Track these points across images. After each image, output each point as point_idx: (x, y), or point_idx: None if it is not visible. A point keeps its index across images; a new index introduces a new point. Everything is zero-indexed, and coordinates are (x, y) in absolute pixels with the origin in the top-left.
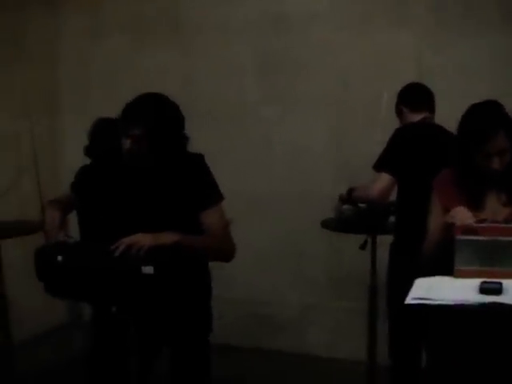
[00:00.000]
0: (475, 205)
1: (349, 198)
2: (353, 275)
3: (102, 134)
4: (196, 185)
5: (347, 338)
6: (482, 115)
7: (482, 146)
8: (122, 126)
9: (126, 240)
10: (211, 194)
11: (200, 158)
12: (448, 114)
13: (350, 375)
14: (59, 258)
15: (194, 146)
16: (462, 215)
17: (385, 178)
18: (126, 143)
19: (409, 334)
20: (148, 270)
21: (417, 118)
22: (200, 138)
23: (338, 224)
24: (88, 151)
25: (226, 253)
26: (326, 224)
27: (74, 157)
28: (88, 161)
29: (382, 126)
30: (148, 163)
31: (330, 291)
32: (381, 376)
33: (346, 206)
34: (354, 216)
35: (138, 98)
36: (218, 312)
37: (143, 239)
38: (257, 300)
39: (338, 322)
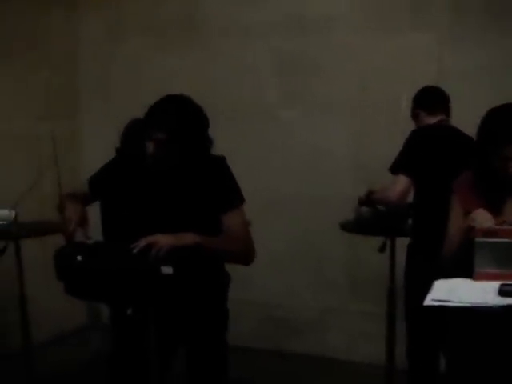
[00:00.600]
0: (494, 208)
1: (368, 200)
2: (371, 277)
3: (135, 134)
4: (218, 187)
5: (366, 340)
6: (501, 119)
7: (500, 150)
8: (146, 129)
9: (146, 240)
10: (233, 196)
11: (222, 160)
12: (469, 118)
13: (369, 378)
14: (79, 257)
15: (213, 147)
16: (481, 217)
17: (402, 180)
18: (150, 147)
19: (427, 336)
20: (167, 270)
21: (433, 120)
22: (219, 140)
23: (356, 226)
24: (120, 152)
25: (246, 256)
26: (345, 226)
27: (94, 158)
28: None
29: (402, 128)
30: (171, 166)
31: (349, 294)
32: (399, 379)
33: (364, 208)
34: (373, 218)
35: (160, 100)
36: (235, 314)
37: (163, 239)
38: (274, 302)
39: (356, 325)
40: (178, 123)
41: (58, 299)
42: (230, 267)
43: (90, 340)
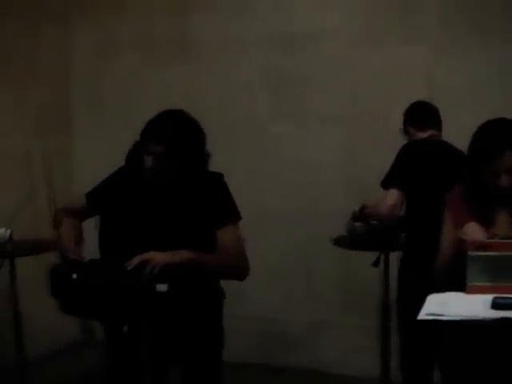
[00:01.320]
0: (485, 221)
1: (361, 215)
2: (364, 291)
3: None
4: (214, 203)
5: (359, 354)
6: (492, 133)
7: (491, 164)
8: (144, 143)
9: (141, 257)
10: (229, 212)
11: (220, 176)
12: (460, 130)
13: None
14: (74, 275)
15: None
16: (473, 231)
17: (393, 194)
18: (148, 161)
19: (420, 349)
20: (162, 287)
21: (424, 135)
22: (211, 154)
23: (350, 241)
24: (121, 168)
25: (241, 271)
26: (339, 241)
27: (86, 173)
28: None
29: (394, 141)
30: (169, 180)
31: (342, 307)
32: None
33: (358, 224)
34: (367, 233)
35: (158, 115)
36: (228, 329)
37: (158, 256)
38: (267, 317)
39: (350, 339)
40: (175, 137)
41: (52, 315)
42: (222, 283)
43: (84, 356)
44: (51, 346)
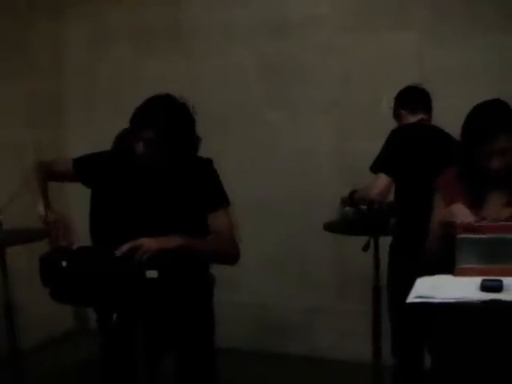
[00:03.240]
0: (477, 204)
1: (351, 200)
2: (357, 277)
3: (125, 138)
4: (205, 187)
5: (353, 339)
6: (484, 114)
7: (482, 146)
8: (134, 129)
9: (130, 244)
10: (220, 197)
11: (209, 162)
12: (450, 116)
13: (357, 377)
14: (64, 263)
15: (199, 151)
16: (461, 213)
17: (382, 179)
18: (139, 147)
19: (411, 334)
20: (152, 274)
21: (414, 120)
22: (204, 143)
23: (340, 226)
24: (110, 151)
25: (231, 256)
26: (329, 226)
27: None
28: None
29: (386, 127)
30: (161, 165)
31: (335, 293)
32: (386, 377)
33: (347, 208)
34: (356, 218)
35: (147, 100)
36: (223, 316)
37: (147, 243)
38: (262, 303)
39: (343, 324)
40: (165, 121)
41: (45, 305)
42: (217, 270)
43: (79, 345)
44: (45, 336)
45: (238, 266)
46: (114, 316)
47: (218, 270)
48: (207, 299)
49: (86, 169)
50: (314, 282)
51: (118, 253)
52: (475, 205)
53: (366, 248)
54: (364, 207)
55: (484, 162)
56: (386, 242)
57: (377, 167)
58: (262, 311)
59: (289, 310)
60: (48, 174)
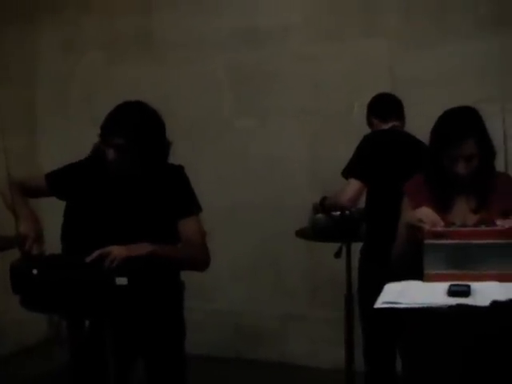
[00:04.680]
0: (444, 209)
1: (322, 206)
2: (330, 283)
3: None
4: (175, 194)
5: (327, 346)
6: (453, 119)
7: (449, 150)
8: (104, 136)
9: (99, 251)
10: (190, 203)
11: (180, 169)
12: (422, 123)
13: (330, 383)
14: (34, 271)
15: (171, 159)
16: (426, 216)
17: (353, 184)
18: (110, 153)
19: (382, 339)
20: (122, 281)
21: (386, 127)
22: (176, 150)
23: (312, 233)
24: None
25: (202, 262)
26: (301, 233)
27: None
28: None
29: (357, 134)
30: (132, 172)
31: (308, 300)
32: (359, 383)
33: (319, 215)
34: (328, 224)
35: (118, 106)
36: (196, 323)
37: (116, 250)
38: (234, 310)
39: (316, 331)
40: (135, 128)
41: (19, 313)
42: (190, 277)
43: (53, 353)
44: (19, 344)
45: (210, 273)
46: (87, 323)
47: (190, 278)
48: (177, 305)
49: (57, 183)
50: (286, 288)
51: (88, 260)
52: (442, 210)
53: (338, 254)
54: (336, 214)
55: (451, 166)
56: (358, 248)
57: (348, 172)
58: (235, 318)
59: (261, 316)
60: (23, 190)
